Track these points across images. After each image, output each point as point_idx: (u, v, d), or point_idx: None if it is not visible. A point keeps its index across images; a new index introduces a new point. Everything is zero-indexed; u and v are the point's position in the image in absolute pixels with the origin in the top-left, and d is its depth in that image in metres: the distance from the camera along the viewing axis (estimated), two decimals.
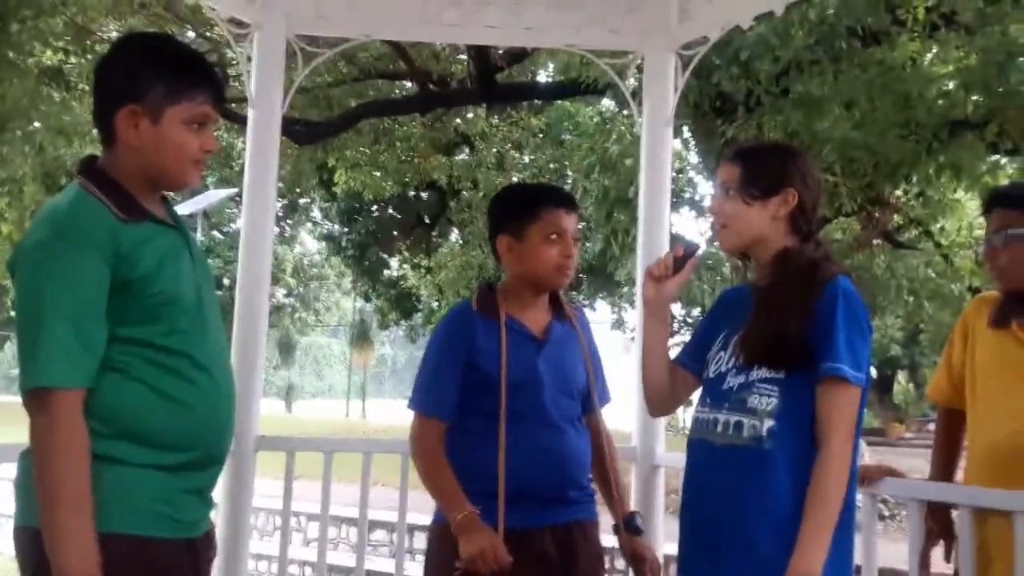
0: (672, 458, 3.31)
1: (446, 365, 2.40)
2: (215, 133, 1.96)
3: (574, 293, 16.09)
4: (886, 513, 10.08)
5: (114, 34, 12.05)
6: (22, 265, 1.75)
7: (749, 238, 2.15)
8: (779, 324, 2.00)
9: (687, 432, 2.25)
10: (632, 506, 3.35)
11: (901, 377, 27.84)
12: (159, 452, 1.79)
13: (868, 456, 10.80)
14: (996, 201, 2.46)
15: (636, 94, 3.74)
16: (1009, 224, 2.34)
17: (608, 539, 2.51)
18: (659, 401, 2.38)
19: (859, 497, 2.48)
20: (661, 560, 3.29)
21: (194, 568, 1.89)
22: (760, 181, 2.10)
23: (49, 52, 10.04)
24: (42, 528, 1.67)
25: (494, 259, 2.54)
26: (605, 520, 2.53)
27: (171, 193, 2.05)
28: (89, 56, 10.19)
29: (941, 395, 2.60)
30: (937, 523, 2.49)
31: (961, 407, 2.50)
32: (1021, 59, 6.56)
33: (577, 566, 2.38)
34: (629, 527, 2.49)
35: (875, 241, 11.52)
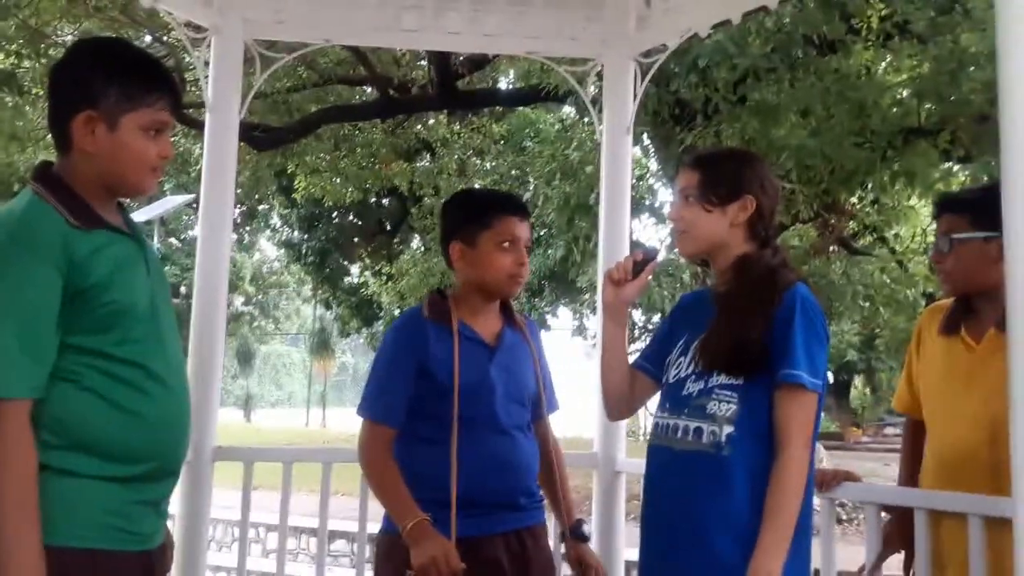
0: (633, 464, 3.31)
1: (396, 371, 2.38)
2: (171, 139, 1.93)
3: (536, 300, 16.11)
4: (844, 517, 10.19)
5: (69, 38, 11.86)
6: None
7: (708, 244, 2.17)
8: (738, 330, 2.02)
9: (648, 438, 2.26)
10: (593, 512, 3.38)
11: (858, 382, 28.22)
12: (112, 464, 1.75)
13: (826, 461, 10.93)
14: (943, 207, 2.51)
15: (596, 101, 3.76)
16: (954, 229, 2.39)
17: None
18: (617, 404, 2.39)
19: (817, 501, 2.51)
20: (622, 567, 3.31)
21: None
22: (719, 188, 2.13)
23: (1, 56, 9.84)
24: None
25: (445, 264, 2.52)
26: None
27: (127, 200, 2.02)
28: (43, 60, 10.00)
29: (904, 405, 2.64)
30: (900, 532, 2.51)
31: (918, 413, 2.54)
32: (972, 68, 6.69)
33: (529, 573, 2.38)
34: (576, 534, 2.51)
35: (831, 248, 11.68)
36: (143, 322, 1.82)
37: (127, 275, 1.81)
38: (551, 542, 2.64)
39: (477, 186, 15.08)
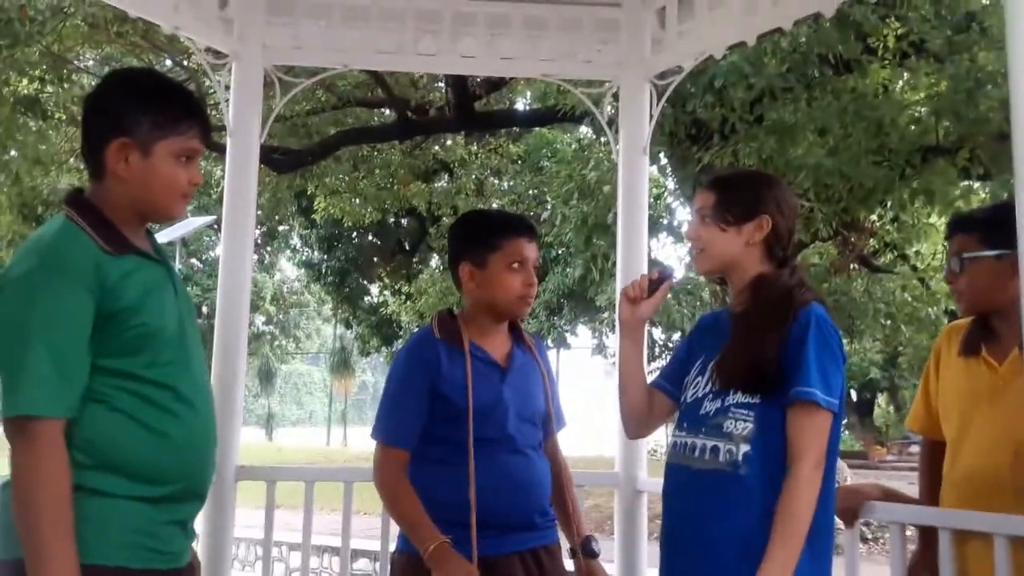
0: (654, 483, 3.30)
1: (409, 393, 2.38)
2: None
3: (555, 319, 16.12)
4: (869, 536, 10.09)
5: (91, 63, 12.05)
6: (5, 294, 1.75)
7: (724, 263, 2.19)
8: (754, 349, 2.03)
9: (652, 454, 2.27)
10: (615, 531, 3.38)
11: (881, 400, 28.01)
12: (141, 484, 1.79)
13: (850, 480, 10.83)
14: (954, 226, 2.50)
15: (612, 122, 3.78)
16: (965, 248, 2.39)
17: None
18: (636, 422, 2.40)
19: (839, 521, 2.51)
20: None
21: None
22: (734, 208, 2.15)
23: (25, 81, 9.99)
24: (25, 557, 1.67)
25: (455, 286, 2.53)
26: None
27: (153, 224, 2.07)
28: (66, 85, 10.15)
29: (919, 424, 2.62)
30: (925, 560, 2.47)
31: (940, 436, 2.52)
32: (989, 86, 6.68)
33: None
34: (586, 550, 2.50)
35: (852, 265, 11.64)
36: (171, 345, 1.87)
37: (156, 299, 1.86)
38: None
39: (495, 205, 15.16)
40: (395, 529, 2.58)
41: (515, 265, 2.40)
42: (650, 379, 2.40)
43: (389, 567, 2.47)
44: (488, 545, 2.28)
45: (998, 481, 2.23)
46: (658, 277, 2.30)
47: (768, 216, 2.13)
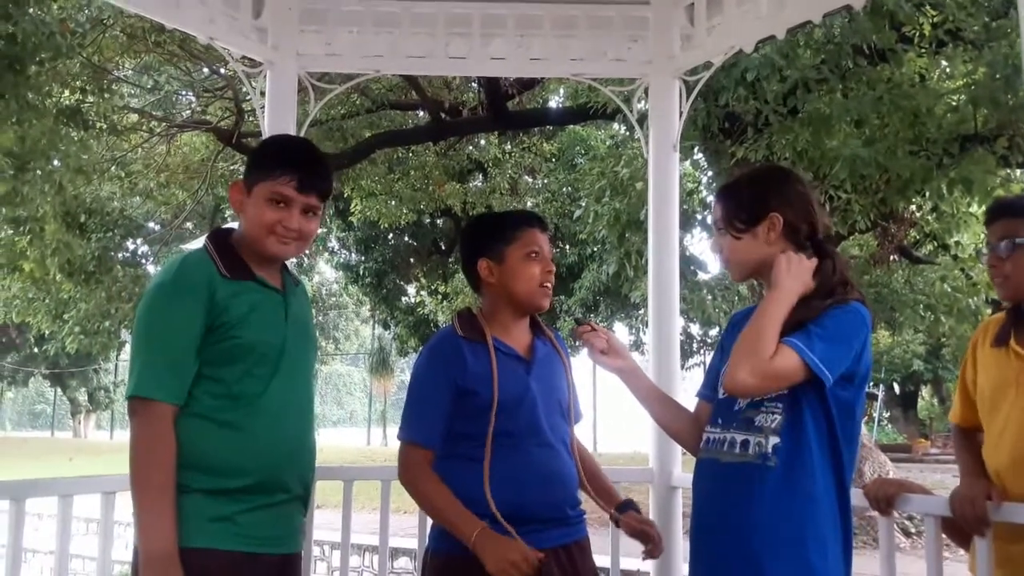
0: (689, 479, 3.31)
1: (433, 392, 2.39)
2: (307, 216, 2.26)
3: (591, 316, 16.09)
4: (912, 530, 9.96)
5: (130, 72, 12.25)
6: (143, 302, 2.14)
7: (752, 267, 2.21)
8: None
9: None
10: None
11: (925, 392, 27.56)
12: (216, 478, 2.07)
13: (892, 473, 10.70)
14: (999, 211, 2.47)
15: (643, 119, 3.79)
16: (1013, 233, 2.36)
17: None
18: (684, 439, 2.47)
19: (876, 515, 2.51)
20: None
21: None
22: (740, 214, 2.18)
23: (67, 92, 10.20)
24: (134, 517, 1.99)
25: (471, 287, 2.56)
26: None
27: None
28: (106, 95, 10.34)
29: (959, 418, 2.62)
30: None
31: (977, 426, 2.52)
32: None
33: None
34: (630, 506, 2.53)
35: (892, 257, 11.49)
36: (269, 360, 2.17)
37: (259, 317, 2.17)
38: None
39: (529, 204, 15.18)
40: (400, 524, 2.59)
41: (532, 254, 2.43)
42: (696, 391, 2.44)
43: (421, 566, 2.47)
44: (528, 541, 2.26)
45: None
46: (586, 324, 2.57)
47: (777, 212, 2.14)
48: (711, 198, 12.19)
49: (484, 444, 2.33)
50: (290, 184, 2.18)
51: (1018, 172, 8.21)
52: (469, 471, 2.32)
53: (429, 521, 2.45)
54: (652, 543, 2.45)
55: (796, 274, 2.06)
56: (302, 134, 3.56)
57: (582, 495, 2.52)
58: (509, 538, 2.21)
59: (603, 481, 2.60)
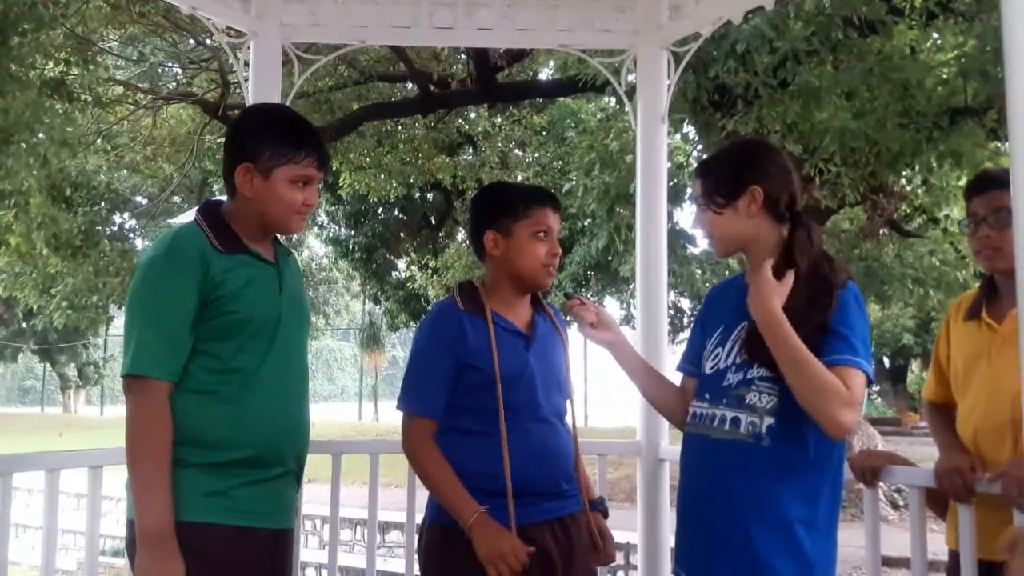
0: (676, 452, 3.31)
1: (434, 363, 2.40)
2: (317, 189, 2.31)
3: (582, 290, 16.09)
4: (901, 503, 10.04)
5: (114, 44, 12.11)
6: (134, 277, 2.13)
7: (735, 242, 2.20)
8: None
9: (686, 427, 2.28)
10: (638, 500, 3.41)
11: (914, 366, 27.73)
12: (210, 451, 2.07)
13: (881, 446, 10.76)
14: (989, 182, 2.44)
15: (631, 91, 3.76)
16: (1008, 204, 2.35)
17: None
18: (670, 410, 2.46)
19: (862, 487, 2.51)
20: (668, 554, 3.33)
21: (261, 555, 2.16)
22: (720, 188, 2.17)
23: (51, 64, 10.08)
24: (131, 492, 2.01)
25: (476, 256, 2.54)
26: None
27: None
28: (91, 67, 10.22)
29: (932, 393, 2.65)
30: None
31: (949, 401, 2.55)
32: None
33: (574, 558, 2.40)
34: (598, 507, 2.56)
35: (882, 230, 11.50)
36: (264, 334, 2.16)
37: (254, 291, 2.16)
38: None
39: (519, 178, 15.11)
40: (420, 500, 2.60)
41: (540, 234, 2.42)
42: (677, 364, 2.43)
43: (417, 538, 2.48)
44: (522, 514, 2.30)
45: (1002, 436, 2.26)
46: (571, 297, 2.54)
47: (756, 185, 2.13)
48: None
49: (488, 418, 2.34)
50: (313, 165, 2.22)
51: (1007, 145, 8.19)
52: (473, 445, 2.34)
53: (420, 494, 2.45)
54: (596, 555, 2.50)
55: (765, 298, 2.03)
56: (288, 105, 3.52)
57: None
58: (504, 530, 2.24)
59: (580, 474, 2.59)
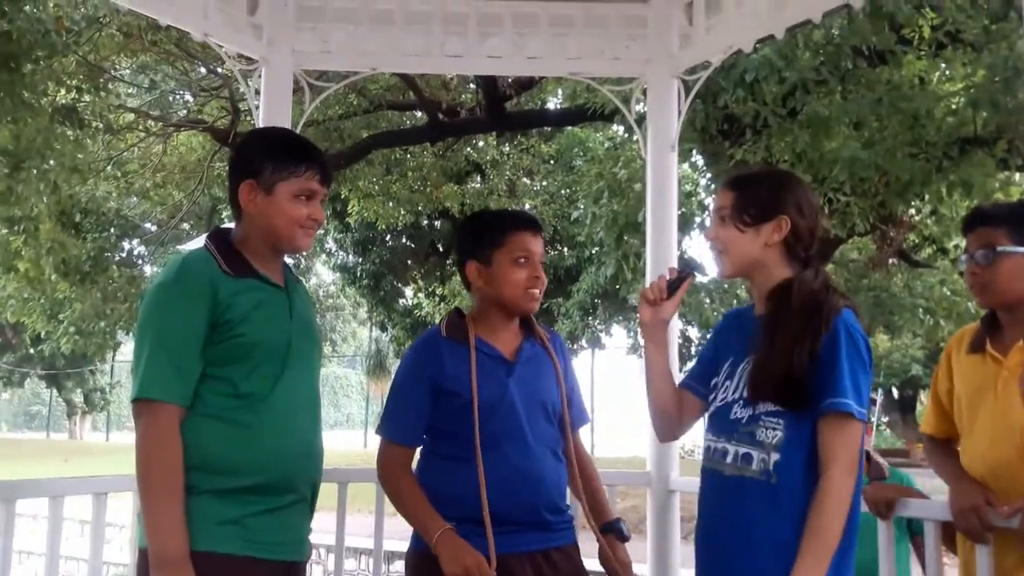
0: (687, 483, 3.30)
1: (410, 391, 2.42)
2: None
3: (589, 319, 16.05)
4: None
5: (127, 72, 12.20)
6: (144, 302, 2.13)
7: (744, 264, 2.16)
8: (786, 362, 1.98)
9: (689, 454, 2.25)
10: (648, 531, 3.36)
11: (923, 397, 27.53)
12: (222, 477, 2.04)
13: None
14: (977, 220, 2.46)
15: (641, 119, 3.76)
16: (993, 241, 2.35)
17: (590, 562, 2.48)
18: (666, 425, 2.39)
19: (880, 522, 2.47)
20: None
21: None
22: (752, 208, 2.12)
23: (63, 91, 10.15)
24: (143, 518, 1.98)
25: (464, 286, 2.54)
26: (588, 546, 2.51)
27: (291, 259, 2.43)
28: (102, 94, 10.30)
29: (932, 427, 2.62)
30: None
31: (951, 435, 2.52)
32: None
33: None
34: (613, 529, 2.49)
35: (891, 260, 11.48)
36: (274, 358, 2.14)
37: (263, 315, 2.14)
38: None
39: (527, 206, 15.15)
40: (397, 527, 2.57)
41: (521, 260, 2.42)
42: (679, 380, 2.39)
43: (404, 566, 2.48)
44: (502, 543, 2.28)
45: (1010, 470, 2.24)
46: (677, 276, 2.29)
47: (787, 217, 2.10)
48: (709, 200, 12.18)
49: (466, 445, 2.33)
50: (315, 178, 2.21)
51: (1017, 175, 8.18)
52: (451, 471, 2.34)
53: (394, 521, 2.44)
54: None
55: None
56: (298, 132, 3.52)
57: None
58: (467, 545, 2.22)
59: (596, 495, 2.58)
